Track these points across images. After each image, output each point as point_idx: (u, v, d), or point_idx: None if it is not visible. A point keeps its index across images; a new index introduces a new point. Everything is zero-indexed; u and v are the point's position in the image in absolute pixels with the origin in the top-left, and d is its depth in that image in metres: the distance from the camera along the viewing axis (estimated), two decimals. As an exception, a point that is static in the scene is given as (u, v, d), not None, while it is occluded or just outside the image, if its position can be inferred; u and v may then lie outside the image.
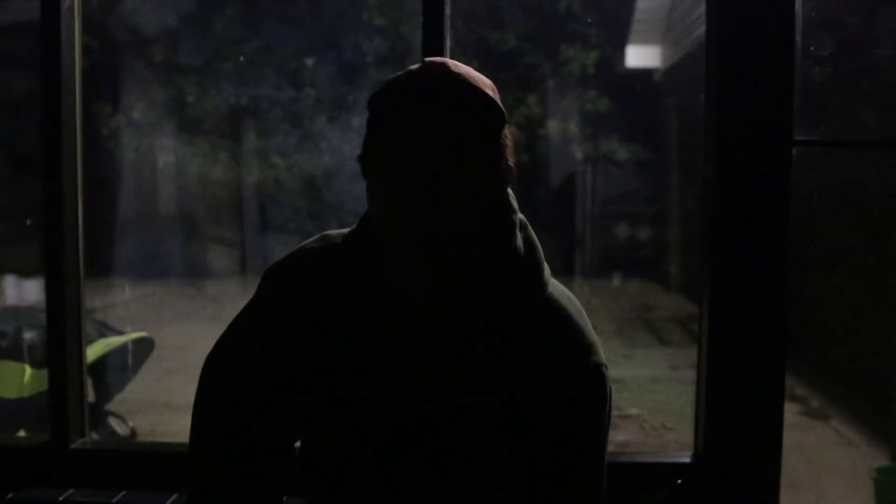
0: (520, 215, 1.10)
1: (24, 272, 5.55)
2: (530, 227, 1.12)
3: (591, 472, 1.08)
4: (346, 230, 1.15)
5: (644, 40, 7.80)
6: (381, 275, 1.06)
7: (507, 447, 1.05)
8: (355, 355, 1.07)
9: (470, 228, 1.02)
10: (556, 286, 1.10)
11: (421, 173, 0.98)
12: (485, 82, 1.05)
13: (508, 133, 1.06)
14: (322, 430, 1.10)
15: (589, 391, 1.05)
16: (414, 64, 1.07)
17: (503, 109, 1.03)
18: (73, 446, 1.92)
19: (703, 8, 1.79)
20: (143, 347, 4.16)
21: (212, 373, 1.15)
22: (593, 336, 1.08)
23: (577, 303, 1.11)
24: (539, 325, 1.05)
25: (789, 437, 1.78)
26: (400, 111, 1.00)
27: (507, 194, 1.09)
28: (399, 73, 1.05)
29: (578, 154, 8.17)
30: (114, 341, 3.90)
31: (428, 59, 1.07)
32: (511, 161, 1.06)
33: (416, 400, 1.05)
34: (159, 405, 4.75)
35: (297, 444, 1.18)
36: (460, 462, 1.05)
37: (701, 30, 1.85)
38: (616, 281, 8.17)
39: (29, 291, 5.44)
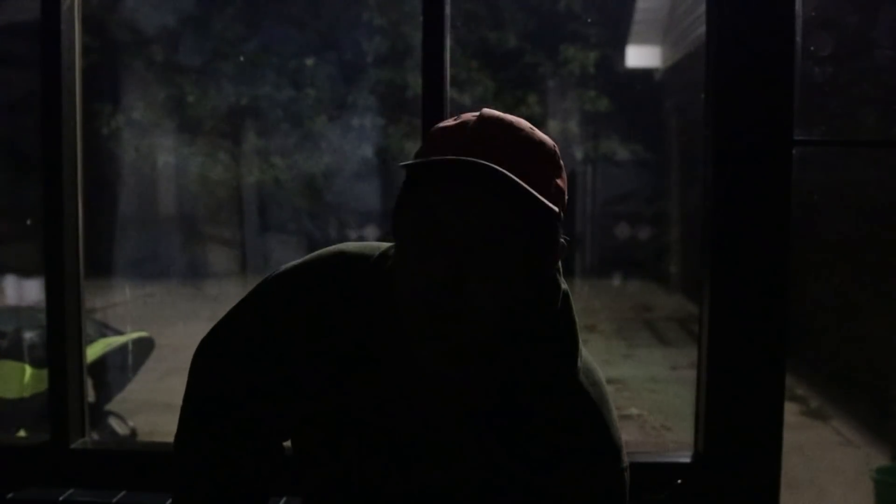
0: (564, 287, 0.98)
1: (24, 272, 5.54)
2: (571, 299, 0.99)
3: None
4: (371, 250, 1.04)
5: (644, 40, 7.80)
6: (398, 330, 0.94)
7: None
8: (355, 404, 1.00)
9: (497, 314, 0.89)
10: (587, 368, 0.99)
11: (447, 255, 0.84)
12: (545, 151, 0.89)
13: (564, 206, 0.92)
14: (315, 454, 1.07)
15: (608, 494, 0.97)
16: (470, 114, 0.91)
17: (561, 187, 0.90)
18: (73, 446, 1.92)
19: (703, 8, 1.80)
20: (143, 347, 4.15)
21: (203, 357, 1.10)
22: (618, 434, 0.99)
23: (605, 390, 1.01)
24: (565, 415, 0.96)
25: (789, 437, 1.78)
26: (434, 180, 0.86)
27: (555, 273, 0.97)
28: (450, 121, 0.90)
29: (578, 154, 8.17)
30: (114, 341, 3.90)
31: (486, 112, 0.90)
32: (563, 240, 0.92)
33: (418, 467, 0.99)
34: (159, 405, 4.75)
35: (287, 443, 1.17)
36: None
37: (701, 30, 1.85)
38: (616, 281, 8.18)
39: (29, 291, 5.44)
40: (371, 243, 1.07)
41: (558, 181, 0.90)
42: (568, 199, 0.95)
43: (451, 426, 0.96)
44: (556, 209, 0.87)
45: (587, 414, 0.96)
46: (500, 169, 0.82)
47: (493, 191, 0.84)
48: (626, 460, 0.99)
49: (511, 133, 0.88)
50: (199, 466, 1.07)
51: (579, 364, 0.98)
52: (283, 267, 1.08)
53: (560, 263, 0.97)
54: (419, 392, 0.97)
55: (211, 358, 1.10)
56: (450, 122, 0.91)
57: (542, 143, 0.90)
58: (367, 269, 1.00)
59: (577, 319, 0.99)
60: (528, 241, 0.87)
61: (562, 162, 0.92)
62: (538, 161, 0.88)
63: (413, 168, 0.85)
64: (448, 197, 0.85)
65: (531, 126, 0.91)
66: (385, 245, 1.04)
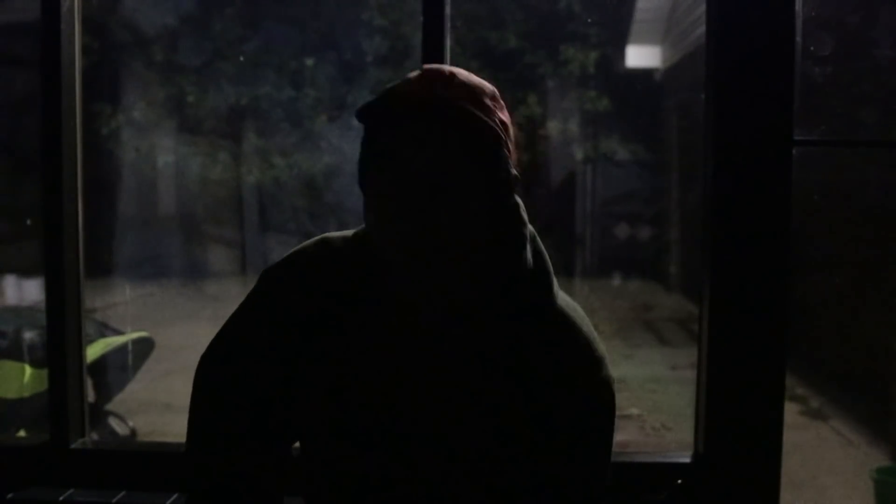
0: (529, 227, 1.07)
1: (24, 272, 5.54)
2: (539, 240, 1.08)
3: (595, 482, 1.08)
4: (348, 232, 1.13)
5: (644, 40, 7.80)
6: (384, 284, 1.04)
7: (510, 456, 1.04)
8: (357, 360, 1.05)
9: (470, 248, 0.98)
10: (564, 298, 1.08)
11: (414, 196, 0.93)
12: (483, 90, 0.99)
13: (512, 142, 1.01)
14: (322, 436, 1.09)
15: (597, 404, 1.05)
16: (412, 72, 1.02)
17: (501, 120, 0.99)
18: (72, 446, 1.92)
19: (703, 8, 1.79)
20: (143, 347, 4.15)
21: (207, 368, 1.13)
22: (602, 348, 1.07)
23: (584, 314, 1.09)
24: (548, 338, 1.03)
25: (789, 437, 1.78)
26: (390, 128, 0.95)
27: (515, 205, 1.04)
28: (394, 82, 1.00)
29: (578, 154, 8.16)
30: (114, 341, 3.90)
31: (426, 66, 1.01)
32: (515, 171, 1.01)
33: (419, 409, 1.04)
34: (159, 405, 4.75)
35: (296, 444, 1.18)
36: (464, 470, 1.04)
37: (701, 30, 1.85)
38: (616, 281, 8.16)
39: (29, 291, 5.44)
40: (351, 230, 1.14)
41: (501, 115, 0.99)
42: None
43: (446, 368, 1.03)
44: (501, 132, 0.97)
45: (568, 332, 1.04)
46: (450, 100, 0.93)
47: (445, 123, 0.93)
48: (611, 371, 1.07)
49: (452, 78, 0.98)
50: (213, 475, 1.09)
51: (554, 291, 1.05)
52: (274, 262, 1.13)
53: (522, 204, 1.06)
54: (413, 342, 1.03)
55: (216, 365, 1.12)
56: (395, 82, 1.00)
57: (481, 84, 1.00)
58: (349, 243, 1.09)
59: (548, 259, 1.07)
60: (481, 165, 0.96)
61: (503, 102, 1.02)
62: (480, 98, 0.97)
63: (369, 117, 0.96)
64: (405, 138, 0.94)
65: (468, 72, 1.01)
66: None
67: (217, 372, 1.12)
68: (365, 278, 1.05)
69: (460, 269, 0.99)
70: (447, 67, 1.01)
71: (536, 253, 1.06)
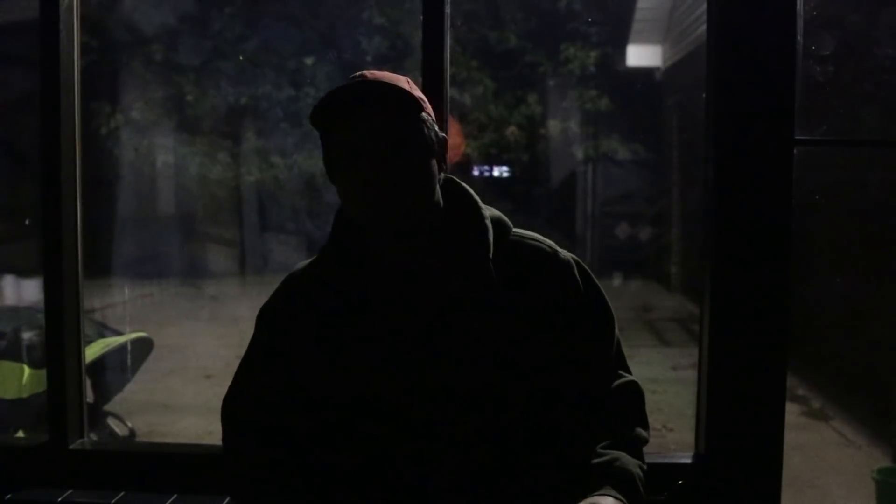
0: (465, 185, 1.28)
1: (24, 272, 5.54)
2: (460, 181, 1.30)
3: (609, 345, 1.28)
4: (312, 259, 1.31)
5: (645, 39, 7.80)
6: (371, 266, 1.22)
7: (528, 363, 1.19)
8: (363, 341, 1.20)
9: (430, 202, 1.19)
10: (518, 230, 1.28)
11: (370, 166, 1.14)
12: (398, 78, 1.20)
13: (430, 113, 1.22)
14: (348, 416, 1.21)
15: (573, 277, 1.25)
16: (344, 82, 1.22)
17: (418, 96, 1.19)
18: (71, 447, 1.91)
19: (703, 7, 1.79)
20: (142, 348, 4.14)
21: (231, 409, 1.30)
22: (551, 242, 1.28)
23: (531, 233, 1.29)
24: (515, 258, 1.23)
25: (790, 438, 1.77)
26: (338, 121, 1.16)
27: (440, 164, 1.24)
28: (329, 91, 1.19)
29: (579, 154, 8.16)
30: (113, 341, 3.89)
31: (352, 75, 1.23)
32: (440, 133, 1.23)
33: (435, 368, 1.18)
34: (158, 405, 4.75)
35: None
36: (492, 388, 1.18)
37: (702, 29, 1.84)
38: (617, 281, 8.16)
39: (28, 291, 5.44)
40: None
41: (418, 93, 1.21)
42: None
43: (440, 313, 1.19)
44: (421, 101, 1.18)
45: (525, 244, 1.26)
46: (372, 80, 1.16)
47: (376, 101, 1.15)
48: (570, 254, 1.28)
49: (372, 73, 1.20)
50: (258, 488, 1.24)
51: (510, 224, 1.27)
52: (262, 305, 1.32)
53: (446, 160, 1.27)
54: (405, 299, 1.21)
55: (238, 404, 1.29)
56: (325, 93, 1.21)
57: (396, 75, 1.22)
58: (331, 244, 1.27)
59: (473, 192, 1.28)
60: (411, 125, 1.18)
61: (414, 85, 1.24)
62: (397, 82, 1.20)
63: (317, 116, 1.17)
64: (351, 124, 1.16)
65: (381, 72, 1.23)
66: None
67: (240, 410, 1.29)
68: (352, 262, 1.24)
69: (422, 222, 1.20)
70: (367, 70, 1.22)
71: (467, 197, 1.28)
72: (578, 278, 1.25)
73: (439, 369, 1.18)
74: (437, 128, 1.23)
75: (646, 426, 1.31)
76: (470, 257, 1.21)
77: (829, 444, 4.20)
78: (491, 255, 1.21)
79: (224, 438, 1.31)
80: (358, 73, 1.21)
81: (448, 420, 1.18)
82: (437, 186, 1.22)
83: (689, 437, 1.88)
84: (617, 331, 1.31)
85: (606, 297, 1.30)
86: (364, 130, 1.15)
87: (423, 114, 1.20)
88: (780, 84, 1.70)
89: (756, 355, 1.73)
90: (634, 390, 1.31)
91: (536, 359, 1.20)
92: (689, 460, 1.79)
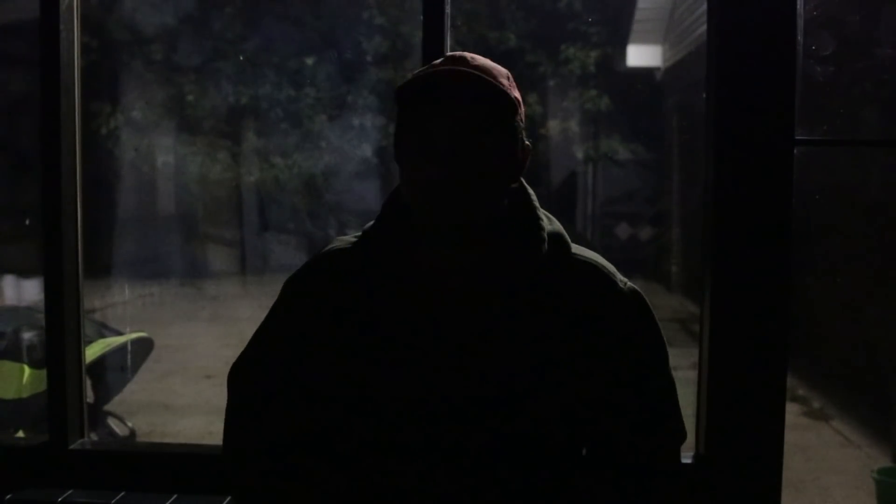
0: (535, 195, 1.18)
1: (24, 272, 5.54)
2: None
3: (664, 386, 1.18)
4: (357, 233, 1.20)
5: (645, 39, 7.79)
6: (416, 261, 1.13)
7: (574, 392, 1.10)
8: (395, 340, 1.11)
9: (496, 209, 1.11)
10: (578, 248, 1.18)
11: (446, 164, 1.05)
12: (500, 72, 1.11)
13: (522, 119, 1.12)
14: (365, 414, 1.12)
15: (631, 310, 1.15)
16: (437, 59, 1.14)
17: (515, 97, 1.10)
18: (71, 447, 1.91)
19: (704, 7, 1.79)
20: (143, 348, 4.14)
21: (239, 373, 1.21)
22: (610, 265, 1.19)
23: (594, 254, 1.20)
24: (571, 280, 1.13)
25: (790, 438, 1.77)
26: (422, 105, 1.07)
27: (522, 169, 1.15)
28: (424, 67, 1.13)
29: (579, 154, 8.15)
30: (113, 341, 3.89)
31: (449, 53, 1.15)
32: (527, 142, 1.14)
33: (461, 375, 1.09)
34: (158, 406, 4.75)
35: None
36: (533, 423, 1.09)
37: (702, 29, 1.84)
38: (616, 281, 8.14)
39: (28, 291, 5.44)
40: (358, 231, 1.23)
41: (515, 93, 1.12)
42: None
43: (485, 333, 1.10)
44: (517, 104, 1.10)
45: (587, 267, 1.16)
46: (472, 72, 1.06)
47: (469, 93, 1.06)
48: (626, 279, 1.19)
49: (473, 59, 1.11)
50: (255, 476, 1.17)
51: (569, 241, 1.17)
52: (293, 273, 1.22)
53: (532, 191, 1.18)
54: (449, 313, 1.10)
55: (248, 368, 1.20)
56: (422, 68, 1.15)
57: (497, 66, 1.13)
58: (378, 228, 1.17)
59: (554, 218, 1.19)
60: (501, 130, 1.09)
61: (516, 84, 1.14)
62: (497, 76, 1.10)
63: (406, 91, 1.08)
64: (437, 109, 1.07)
65: (483, 57, 1.13)
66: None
67: (249, 376, 1.20)
68: (396, 256, 1.14)
69: (489, 234, 1.11)
70: (467, 53, 1.12)
71: (547, 213, 1.19)
72: (638, 315, 1.16)
73: (459, 389, 1.08)
74: (524, 136, 1.13)
75: None
76: (517, 275, 1.11)
77: (829, 445, 4.20)
78: (541, 274, 1.11)
79: (228, 408, 1.21)
80: (458, 54, 1.12)
81: (456, 439, 1.08)
82: (506, 197, 1.13)
83: (689, 437, 1.88)
84: (671, 371, 1.21)
85: (663, 335, 1.20)
86: (454, 119, 1.06)
87: (518, 118, 1.11)
88: (780, 84, 1.70)
89: (756, 355, 1.73)
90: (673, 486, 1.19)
91: (568, 395, 1.10)
92: (689, 460, 1.78)
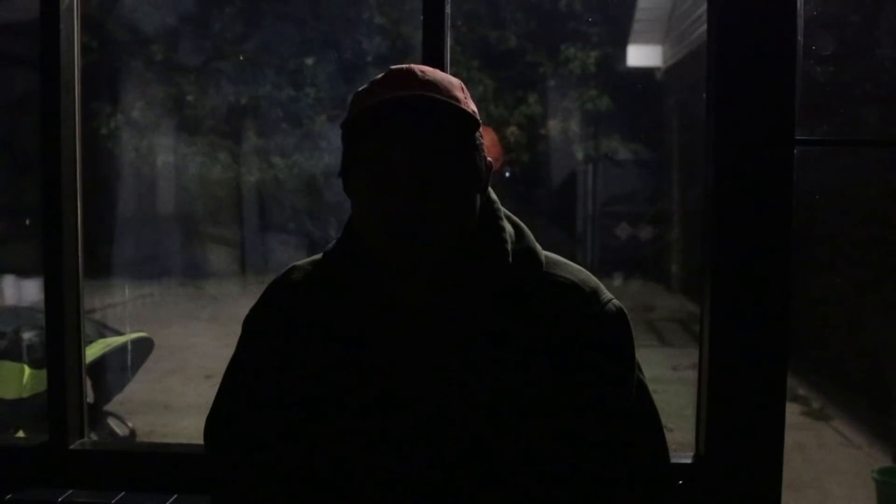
0: (500, 206, 1.10)
1: (24, 272, 5.54)
2: (510, 214, 1.12)
3: (646, 413, 1.10)
4: (316, 256, 1.15)
5: (645, 39, 7.79)
6: (378, 287, 1.05)
7: (550, 417, 1.03)
8: (362, 368, 1.05)
9: (461, 235, 1.02)
10: (549, 257, 1.09)
11: (403, 195, 0.96)
12: (453, 84, 1.02)
13: (482, 131, 1.04)
14: (332, 442, 1.07)
15: (608, 329, 1.05)
16: (378, 75, 1.04)
17: (473, 110, 1.01)
18: (72, 447, 1.91)
19: (704, 7, 1.79)
20: (143, 348, 4.14)
21: (214, 428, 1.16)
22: (594, 281, 1.08)
23: (565, 261, 1.11)
24: (543, 298, 1.04)
25: (791, 438, 1.77)
26: (372, 133, 0.98)
27: (488, 191, 1.08)
28: (364, 86, 1.03)
29: (579, 153, 8.15)
30: (113, 341, 3.89)
31: (393, 67, 1.03)
32: (488, 158, 1.05)
33: (429, 400, 1.03)
34: (158, 406, 4.75)
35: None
36: (508, 445, 1.02)
37: (702, 29, 1.84)
38: (617, 281, 8.15)
39: (28, 291, 5.44)
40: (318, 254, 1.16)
41: (472, 105, 1.03)
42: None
43: (455, 356, 1.02)
44: (476, 119, 1.00)
45: (559, 286, 1.05)
46: (427, 94, 0.96)
47: (424, 118, 0.96)
48: (610, 295, 1.08)
49: (423, 74, 1.00)
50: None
51: (540, 258, 1.07)
52: (249, 310, 1.16)
53: (491, 189, 1.09)
54: (415, 336, 1.03)
55: (221, 424, 1.15)
56: (364, 86, 1.04)
57: (449, 78, 1.03)
58: (319, 263, 1.11)
59: (526, 228, 1.09)
60: (463, 154, 1.00)
61: (468, 92, 1.05)
62: (452, 91, 1.00)
63: (357, 125, 0.98)
64: (389, 138, 0.97)
65: (432, 68, 1.04)
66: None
67: (224, 429, 1.15)
68: (356, 281, 1.07)
69: (449, 260, 1.02)
70: (414, 65, 1.03)
71: (516, 227, 1.09)
72: (615, 342, 1.06)
73: (423, 425, 1.02)
74: (485, 152, 1.04)
75: None
76: (480, 303, 1.03)
77: (829, 445, 4.20)
78: (507, 298, 1.03)
79: (211, 466, 1.17)
80: (405, 67, 1.01)
81: (426, 478, 1.03)
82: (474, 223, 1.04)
83: (689, 437, 1.88)
84: (652, 398, 1.13)
85: (639, 364, 1.11)
86: (412, 147, 0.96)
87: (477, 134, 1.01)
88: (780, 84, 1.70)
89: (756, 355, 1.73)
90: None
91: (535, 425, 1.03)
92: (689, 460, 1.78)
